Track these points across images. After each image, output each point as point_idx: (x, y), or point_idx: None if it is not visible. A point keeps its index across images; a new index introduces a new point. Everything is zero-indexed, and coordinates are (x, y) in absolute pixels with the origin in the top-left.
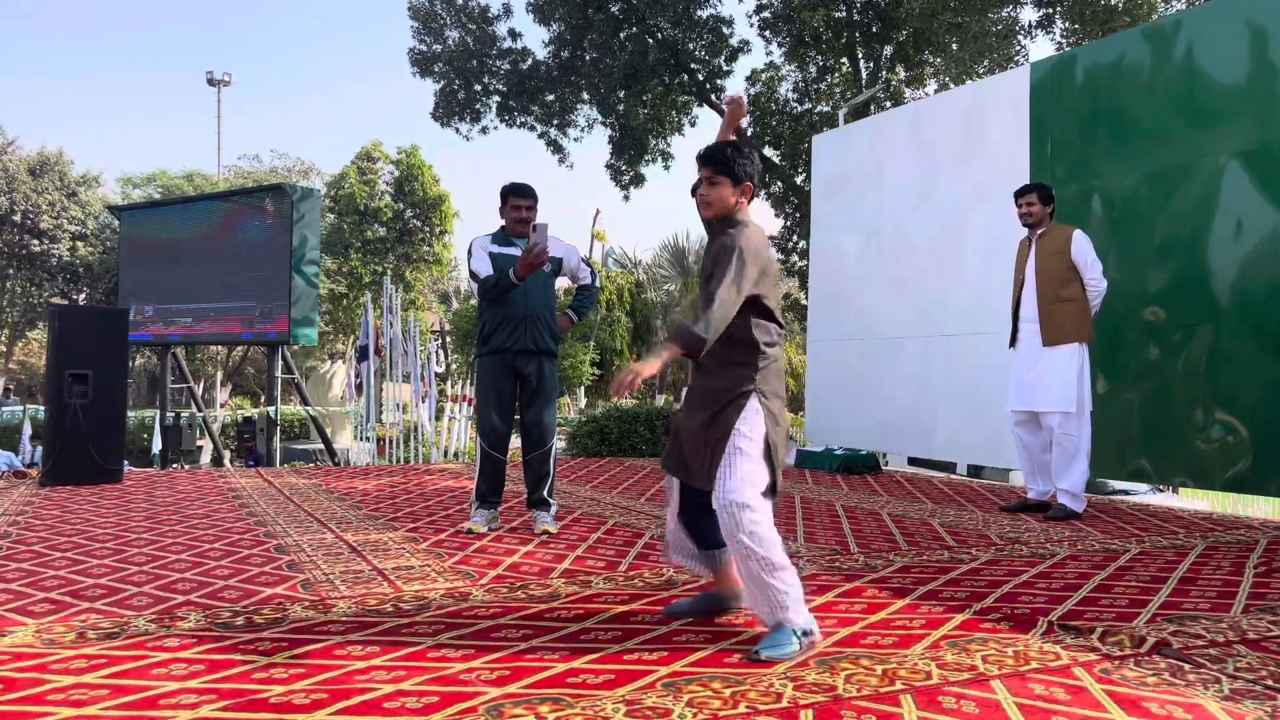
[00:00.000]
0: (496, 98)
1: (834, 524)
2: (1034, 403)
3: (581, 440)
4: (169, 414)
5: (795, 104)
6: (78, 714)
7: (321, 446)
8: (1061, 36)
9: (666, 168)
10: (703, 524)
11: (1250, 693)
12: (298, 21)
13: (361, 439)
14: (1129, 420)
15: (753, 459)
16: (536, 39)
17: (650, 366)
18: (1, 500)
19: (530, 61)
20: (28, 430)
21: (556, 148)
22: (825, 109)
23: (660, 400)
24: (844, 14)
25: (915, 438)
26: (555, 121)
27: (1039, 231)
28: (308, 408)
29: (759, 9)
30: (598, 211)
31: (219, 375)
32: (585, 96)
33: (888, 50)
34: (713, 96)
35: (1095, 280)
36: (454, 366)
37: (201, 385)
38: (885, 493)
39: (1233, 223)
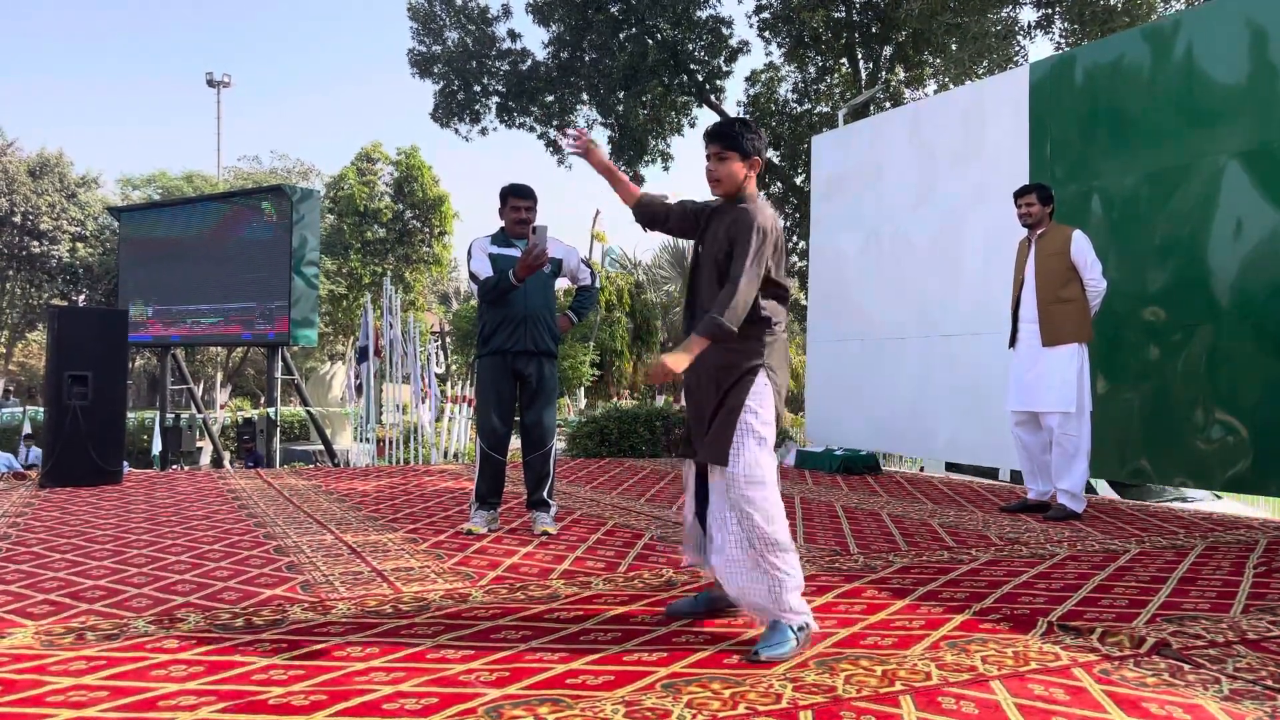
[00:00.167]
0: (496, 98)
1: (834, 524)
2: (1034, 403)
3: (581, 441)
4: (169, 415)
5: (795, 104)
6: (77, 715)
7: (321, 448)
8: (1061, 37)
9: (666, 168)
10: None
11: (1250, 693)
12: (297, 22)
13: (361, 440)
14: (1129, 420)
15: (763, 436)
16: (536, 40)
17: (683, 361)
18: (1, 501)
19: (530, 62)
20: (26, 430)
21: (556, 148)
22: (825, 109)
23: (660, 400)
24: (843, 14)
25: (915, 438)
26: (555, 122)
27: (1039, 232)
28: (307, 409)
29: (758, 9)
30: (597, 212)
31: (219, 376)
32: (585, 97)
33: (887, 51)
34: (712, 98)
35: (1095, 280)
36: (454, 367)
37: (201, 386)
38: (885, 493)
39: (1232, 223)
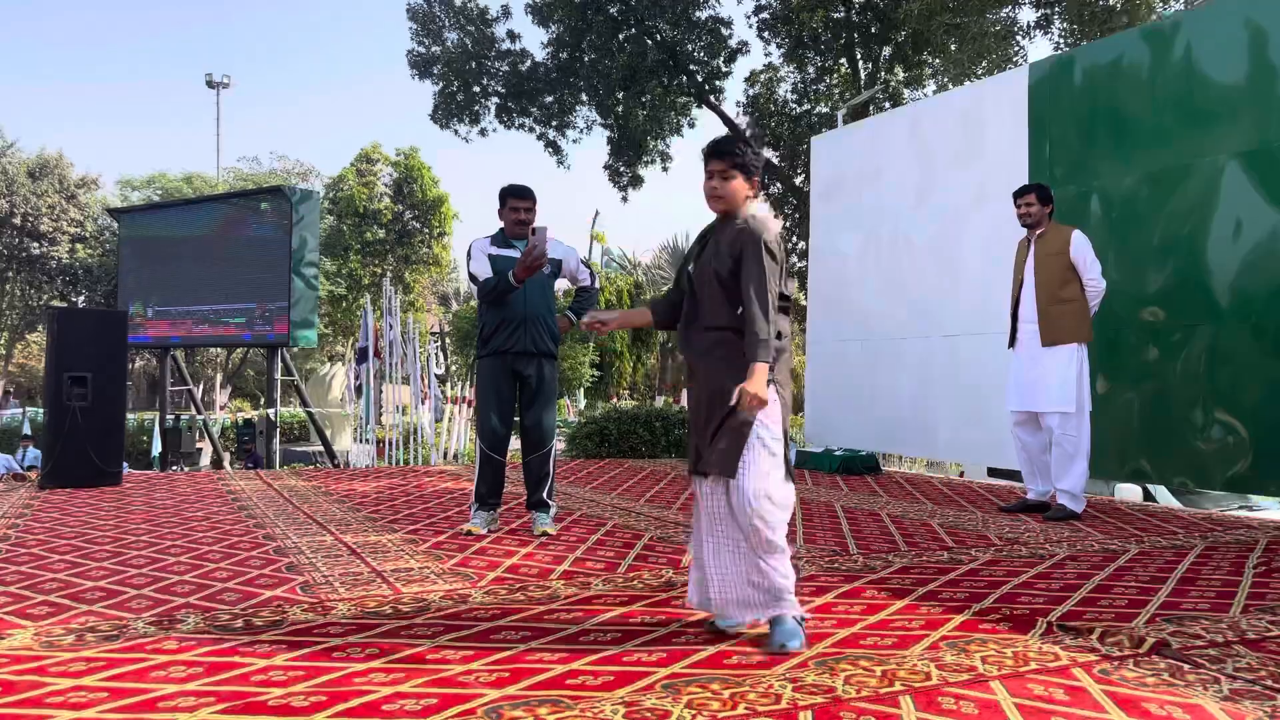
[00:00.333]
0: (495, 99)
1: (833, 525)
2: (1033, 403)
3: (581, 442)
4: (168, 416)
5: (794, 105)
6: (77, 717)
7: (321, 449)
8: (1060, 37)
9: (665, 169)
10: None
11: (1250, 693)
12: (297, 24)
13: (361, 441)
14: (1129, 420)
15: (773, 450)
16: (535, 40)
17: (764, 389)
18: (1, 503)
19: (529, 63)
20: (26, 431)
21: (555, 149)
22: (824, 110)
23: (660, 401)
24: (843, 15)
25: (915, 438)
26: (554, 123)
27: (1038, 232)
28: (307, 410)
29: (758, 10)
30: (596, 213)
31: (218, 377)
32: (584, 98)
33: (886, 51)
34: (712, 98)
35: (1094, 281)
36: (454, 368)
37: (201, 388)
38: (885, 493)
39: (1232, 223)
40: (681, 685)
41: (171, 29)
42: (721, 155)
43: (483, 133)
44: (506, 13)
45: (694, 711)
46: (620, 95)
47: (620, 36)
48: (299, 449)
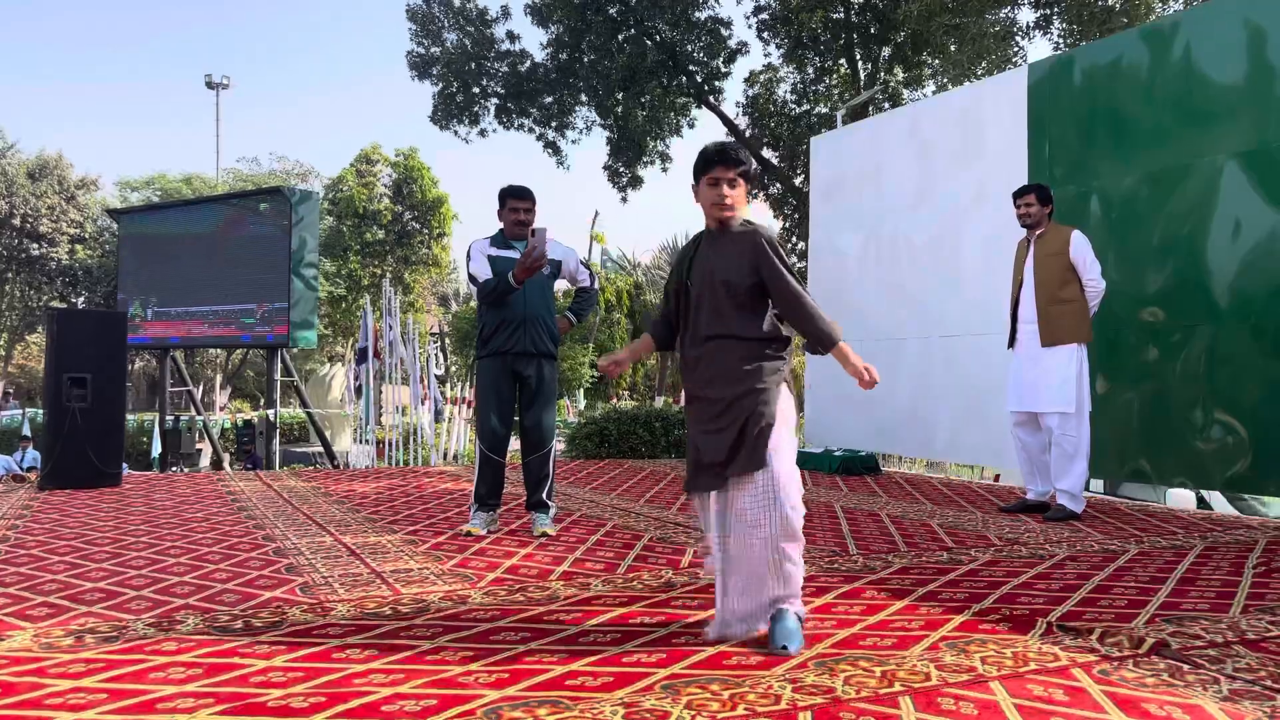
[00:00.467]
0: (495, 100)
1: (833, 525)
2: (1033, 403)
3: (581, 442)
4: (168, 417)
5: (793, 105)
6: (76, 718)
7: (321, 449)
8: (1059, 37)
9: (664, 170)
10: None
11: (1249, 693)
12: (296, 25)
13: (361, 442)
14: (1128, 421)
15: (792, 443)
16: (535, 41)
17: (858, 368)
18: (0, 504)
19: (528, 64)
20: (25, 432)
21: (554, 150)
22: (823, 110)
23: (659, 401)
24: (842, 15)
25: (914, 439)
26: (553, 123)
27: (1038, 232)
28: (307, 410)
29: (757, 10)
30: (596, 213)
31: (218, 378)
32: (583, 98)
33: (886, 51)
34: (711, 99)
35: (1094, 281)
36: (453, 369)
37: (201, 388)
38: (884, 494)
39: (1231, 223)
40: (681, 686)
41: (171, 30)
42: (732, 163)
43: (482, 133)
44: (506, 13)
45: (693, 712)
46: (620, 96)
47: (620, 37)
48: (298, 450)
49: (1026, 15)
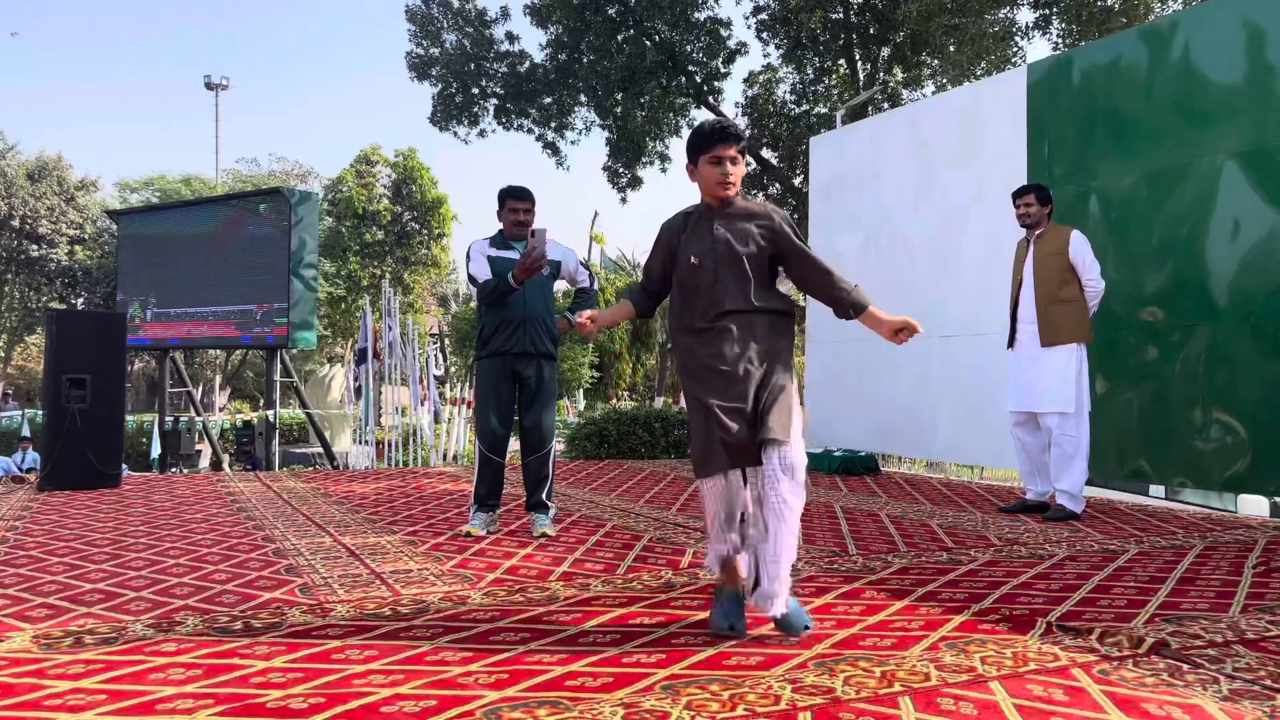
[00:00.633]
0: (494, 100)
1: (833, 525)
2: (1033, 403)
3: (580, 443)
4: (168, 418)
5: (793, 105)
6: (75, 719)
7: (320, 450)
8: (1058, 37)
9: (664, 170)
10: None
11: (1249, 693)
12: (295, 26)
13: (360, 442)
14: (1128, 421)
15: (800, 416)
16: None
17: (894, 323)
18: None
19: (528, 64)
20: (25, 433)
21: (554, 150)
22: (823, 110)
23: (659, 402)
24: (841, 15)
25: (914, 439)
26: (553, 124)
27: (1037, 232)
28: (306, 411)
29: (756, 11)
30: (596, 214)
31: (217, 379)
32: (583, 99)
33: (885, 52)
34: (710, 99)
35: (1093, 281)
36: (453, 369)
37: (200, 389)
38: (884, 494)
39: (1230, 223)
40: (681, 686)
41: (170, 30)
42: (733, 139)
43: (481, 134)
44: (505, 14)
45: (693, 713)
46: (619, 96)
47: (619, 37)
48: (298, 451)
49: (1026, 15)
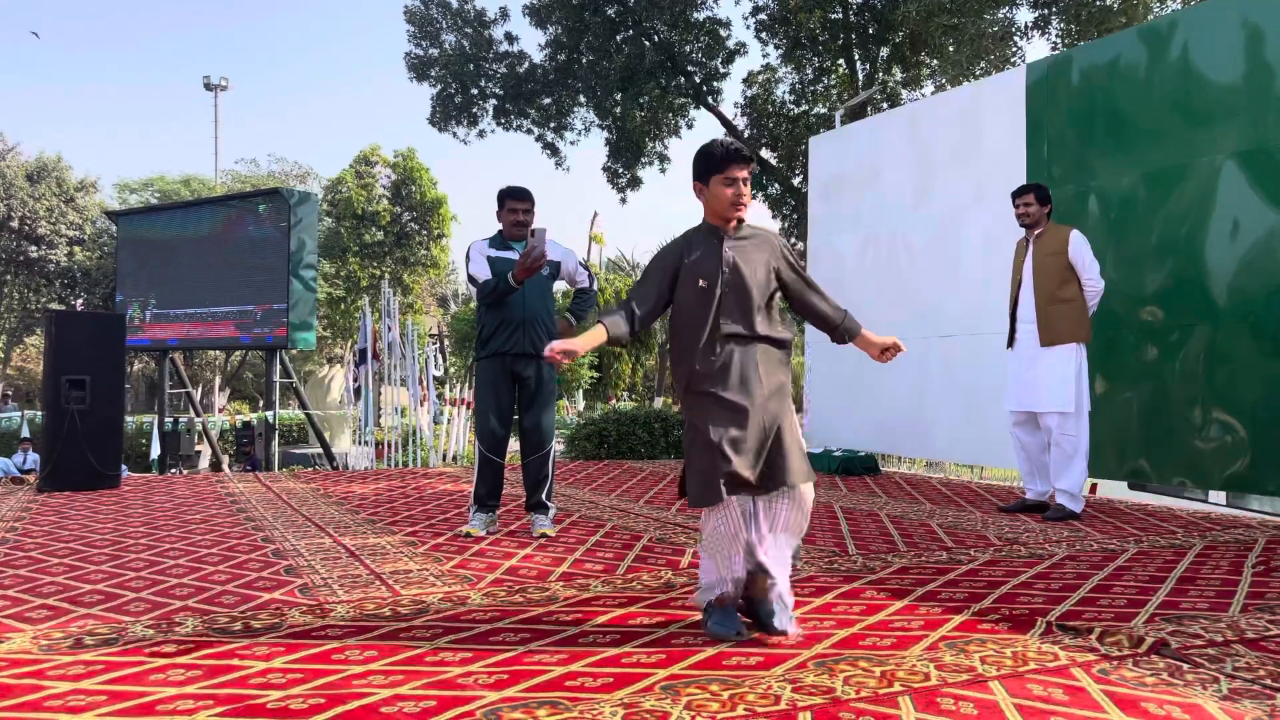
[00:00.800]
0: (493, 101)
1: (832, 525)
2: (1032, 403)
3: (580, 443)
4: (167, 419)
5: (792, 106)
6: None
7: (320, 451)
8: (1057, 37)
9: (663, 170)
10: None
11: (1249, 692)
12: (295, 26)
13: (360, 443)
14: (1127, 420)
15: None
16: (533, 42)
17: (882, 344)
18: None
19: (527, 65)
20: (24, 434)
21: (553, 151)
22: (822, 111)
23: (659, 402)
24: (840, 16)
25: (914, 439)
26: (552, 124)
27: (1036, 232)
28: (306, 412)
29: (755, 11)
30: (595, 214)
31: (217, 380)
32: (582, 99)
33: (884, 52)
34: (709, 99)
35: (1093, 280)
36: (452, 370)
37: (200, 390)
38: (884, 494)
39: (1229, 222)
40: (681, 686)
41: (169, 31)
42: (745, 160)
43: (481, 135)
44: (504, 15)
45: (693, 713)
46: (618, 97)
47: (618, 38)
48: (298, 451)
49: (1025, 15)
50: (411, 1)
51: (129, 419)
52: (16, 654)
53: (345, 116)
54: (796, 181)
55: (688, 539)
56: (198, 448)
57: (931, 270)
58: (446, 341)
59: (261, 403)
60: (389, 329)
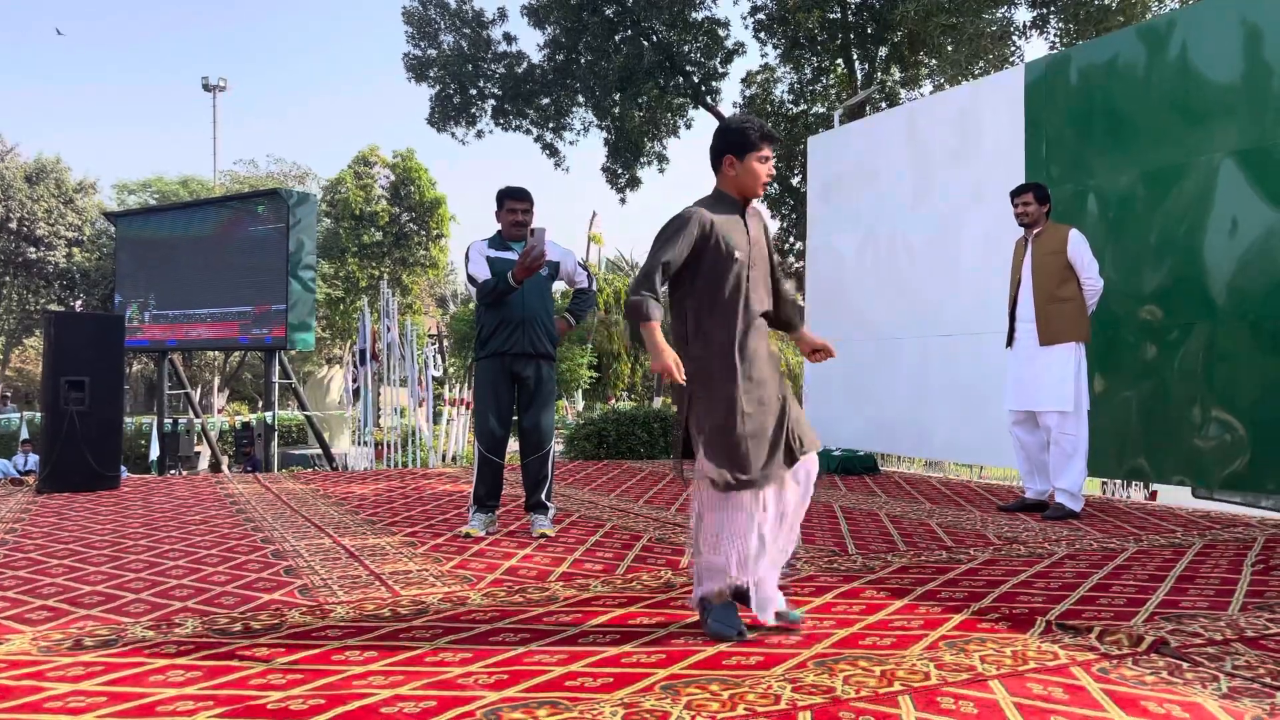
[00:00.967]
0: (492, 101)
1: (832, 525)
2: (1031, 402)
3: (579, 443)
4: (166, 420)
5: (791, 105)
6: None
7: (319, 451)
8: (1056, 37)
9: (662, 170)
10: None
11: (1248, 690)
12: (294, 27)
13: (359, 444)
14: (1127, 419)
15: None
16: (531, 42)
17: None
18: None
19: (525, 65)
20: (24, 435)
21: (552, 151)
22: (821, 110)
23: (658, 402)
24: (839, 15)
25: (913, 438)
26: (551, 125)
27: (1035, 231)
28: (305, 413)
29: (754, 11)
30: (594, 214)
31: (216, 381)
32: (581, 99)
33: (883, 51)
34: (708, 99)
35: (1092, 280)
36: (451, 370)
37: (199, 391)
38: (883, 493)
39: (1228, 221)
40: (680, 686)
41: (168, 31)
42: (776, 141)
43: (479, 135)
44: (502, 15)
45: (693, 712)
46: (617, 97)
47: (616, 38)
48: (297, 452)
49: (1023, 15)
50: (410, 2)
51: (128, 420)
52: (16, 655)
53: (344, 117)
54: (795, 181)
55: (687, 539)
56: (197, 449)
57: (930, 270)
58: (445, 342)
59: (260, 403)
60: (388, 329)
